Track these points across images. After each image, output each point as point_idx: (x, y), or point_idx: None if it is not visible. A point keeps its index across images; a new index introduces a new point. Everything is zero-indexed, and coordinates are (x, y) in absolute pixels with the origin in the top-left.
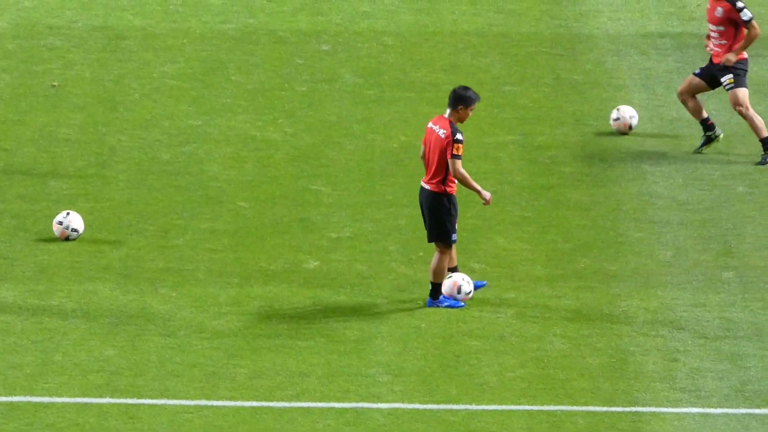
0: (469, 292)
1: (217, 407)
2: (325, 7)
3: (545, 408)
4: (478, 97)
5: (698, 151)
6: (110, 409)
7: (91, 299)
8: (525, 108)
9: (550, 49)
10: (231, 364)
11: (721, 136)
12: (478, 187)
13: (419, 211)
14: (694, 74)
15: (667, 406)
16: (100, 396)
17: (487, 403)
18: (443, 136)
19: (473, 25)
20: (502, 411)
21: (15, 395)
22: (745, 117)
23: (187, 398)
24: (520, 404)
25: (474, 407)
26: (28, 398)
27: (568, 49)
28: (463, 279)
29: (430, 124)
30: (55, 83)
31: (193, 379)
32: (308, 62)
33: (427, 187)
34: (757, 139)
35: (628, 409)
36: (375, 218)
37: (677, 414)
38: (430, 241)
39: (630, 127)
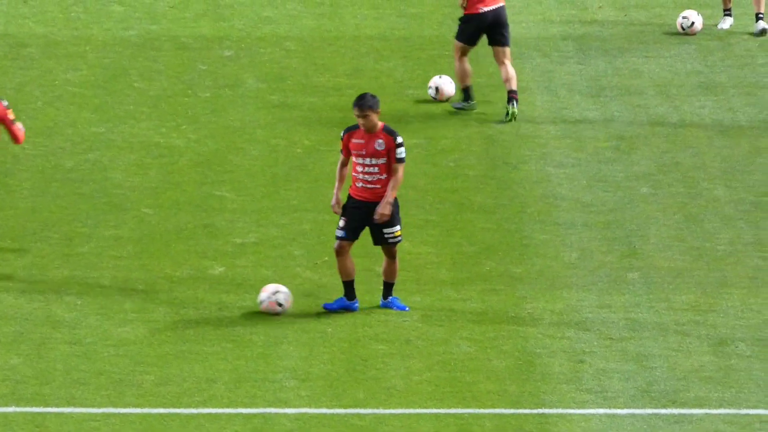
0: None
1: (124, 414)
2: (228, 13)
3: (452, 411)
4: (355, 103)
5: (456, 107)
6: (16, 417)
7: None
8: (428, 111)
9: (453, 53)
10: (137, 371)
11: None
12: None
13: (324, 217)
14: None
15: (573, 408)
16: (6, 405)
17: (395, 407)
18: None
19: (376, 29)
20: (409, 414)
21: None
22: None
23: (94, 406)
24: (427, 408)
25: (381, 411)
26: None
27: (471, 53)
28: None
29: None
30: None
31: (100, 387)
32: (211, 68)
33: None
34: (651, 141)
35: (535, 411)
36: (279, 223)
37: (584, 415)
38: None
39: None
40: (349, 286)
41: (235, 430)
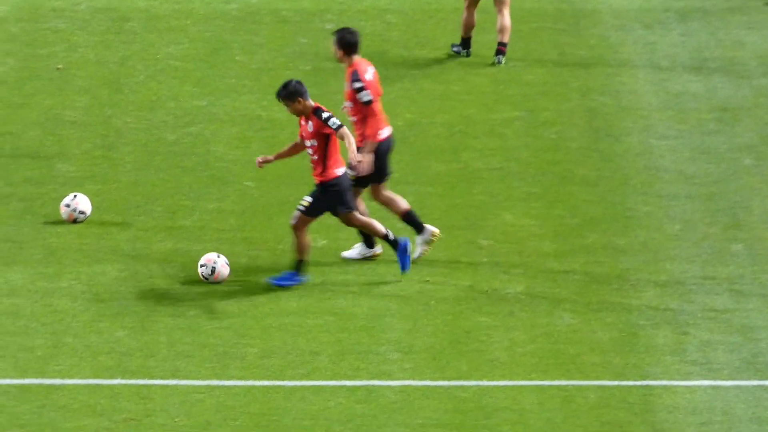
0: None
1: (227, 387)
2: None
3: (556, 383)
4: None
5: (454, 51)
6: (121, 390)
7: (99, 281)
8: (530, 84)
9: (554, 25)
10: (241, 343)
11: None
12: None
13: (427, 189)
14: None
15: (677, 379)
16: (111, 377)
17: (498, 379)
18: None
19: None
20: (513, 386)
21: (27, 377)
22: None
23: (197, 378)
24: (531, 379)
25: (485, 383)
26: (40, 380)
27: (571, 25)
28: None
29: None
30: (60, 66)
31: (204, 360)
32: (312, 41)
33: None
34: (754, 113)
35: (638, 382)
36: None
37: (688, 387)
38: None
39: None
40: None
41: (339, 402)
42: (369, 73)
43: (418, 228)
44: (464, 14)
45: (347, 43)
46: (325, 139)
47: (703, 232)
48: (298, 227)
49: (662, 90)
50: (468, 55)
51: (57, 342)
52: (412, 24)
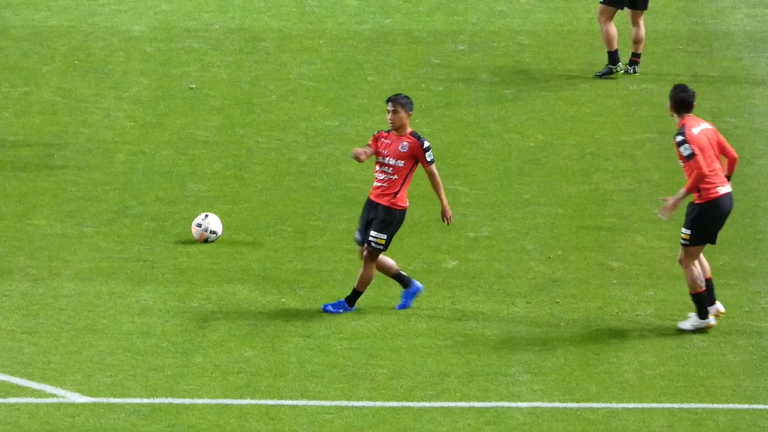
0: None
1: (357, 408)
2: (461, 7)
3: (686, 406)
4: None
5: (598, 76)
6: (251, 410)
7: (230, 301)
8: (662, 106)
9: (687, 47)
10: (370, 364)
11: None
12: None
13: (558, 210)
14: None
15: None
16: (241, 397)
17: (628, 402)
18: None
19: None
20: (642, 409)
21: (156, 397)
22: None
23: (327, 399)
24: (660, 402)
25: (614, 405)
26: (170, 400)
27: (704, 46)
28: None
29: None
30: (193, 85)
31: (333, 380)
32: (444, 62)
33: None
34: None
35: None
36: (513, 217)
37: None
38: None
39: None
40: (398, 278)
41: (468, 423)
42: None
43: None
44: (602, 29)
45: (680, 100)
46: (412, 165)
47: None
48: (371, 260)
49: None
50: (618, 70)
51: (187, 362)
52: (545, 45)
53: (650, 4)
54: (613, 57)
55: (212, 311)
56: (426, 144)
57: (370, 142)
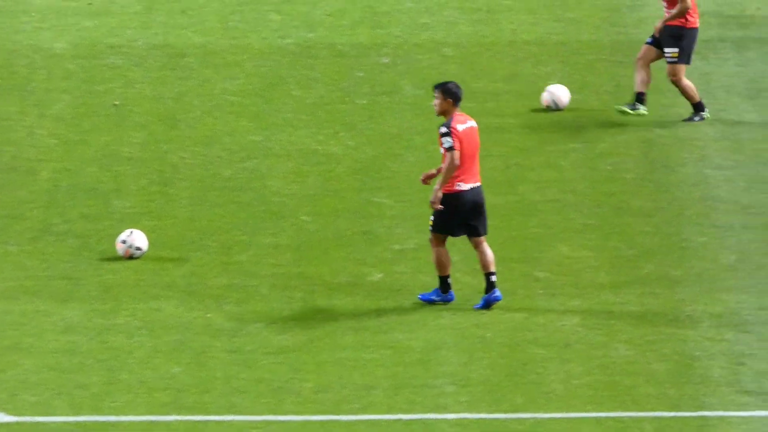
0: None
1: (283, 422)
2: (384, 20)
3: (612, 414)
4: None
5: (620, 110)
6: (177, 426)
7: (155, 317)
8: (586, 116)
9: (610, 56)
10: (297, 378)
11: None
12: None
13: None
14: (647, 42)
15: (733, 410)
16: (167, 414)
17: (554, 411)
18: (476, 126)
19: (532, 34)
20: (569, 419)
21: (82, 414)
22: (677, 86)
23: (253, 414)
24: (586, 411)
25: (541, 416)
26: (96, 417)
27: (628, 56)
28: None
29: (467, 125)
30: (117, 102)
31: (260, 395)
32: (368, 75)
33: (478, 184)
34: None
35: (695, 413)
36: None
37: (744, 418)
38: (484, 233)
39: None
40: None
41: None
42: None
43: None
44: (638, 73)
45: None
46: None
47: (758, 263)
48: (432, 243)
49: (718, 120)
50: (640, 113)
51: (112, 379)
52: (468, 57)
53: (574, 15)
54: (640, 98)
55: (138, 328)
56: (443, 129)
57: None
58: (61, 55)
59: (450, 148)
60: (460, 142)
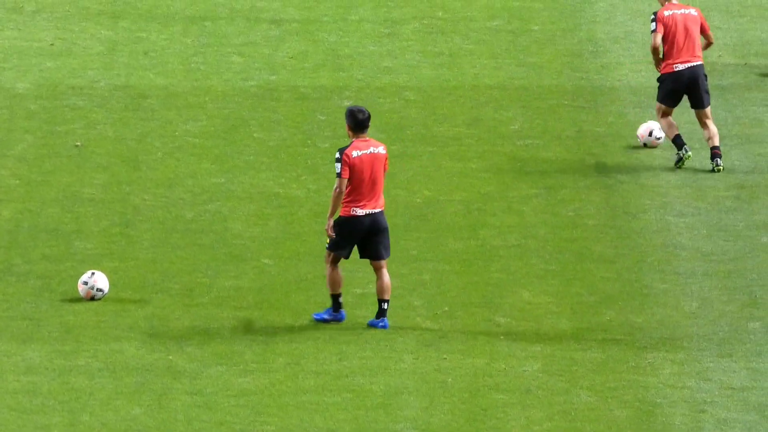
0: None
1: None
2: (347, 63)
3: None
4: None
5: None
6: None
7: (117, 358)
8: (548, 161)
9: (572, 102)
10: (258, 421)
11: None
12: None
13: (444, 267)
14: None
15: None
16: None
17: None
18: (384, 152)
19: (495, 78)
20: None
21: None
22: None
23: None
24: None
25: None
26: None
27: (590, 102)
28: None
29: (367, 151)
30: (78, 143)
31: None
32: (330, 118)
33: (378, 210)
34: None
35: None
36: (399, 273)
37: None
38: (386, 257)
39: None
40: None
41: None
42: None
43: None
44: (662, 122)
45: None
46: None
47: (720, 310)
48: (326, 261)
49: (680, 168)
50: (686, 154)
51: (74, 420)
52: (430, 101)
53: (535, 59)
54: (677, 142)
55: (99, 369)
56: (337, 155)
57: None
58: (23, 95)
59: (338, 175)
60: (351, 169)
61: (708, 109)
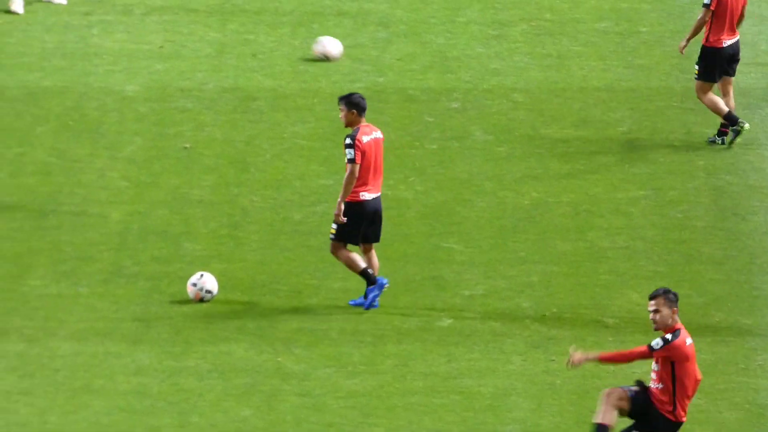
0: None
1: None
2: (455, 65)
3: None
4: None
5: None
6: None
7: (226, 360)
8: (656, 163)
9: (681, 104)
10: (367, 423)
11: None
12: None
13: (552, 268)
14: None
15: None
16: None
17: None
18: (382, 136)
19: (602, 80)
20: None
21: None
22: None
23: None
24: None
25: None
26: None
27: (698, 103)
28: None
29: (372, 136)
30: (187, 145)
31: None
32: (438, 120)
33: (380, 193)
34: None
35: None
36: (508, 275)
37: None
38: (376, 241)
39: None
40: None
41: None
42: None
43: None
44: (707, 101)
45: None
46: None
47: None
48: (334, 251)
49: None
50: (742, 126)
51: (183, 421)
52: (538, 103)
53: (644, 61)
54: (730, 117)
55: (208, 370)
56: (347, 141)
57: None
58: (133, 98)
59: (351, 161)
60: (363, 154)
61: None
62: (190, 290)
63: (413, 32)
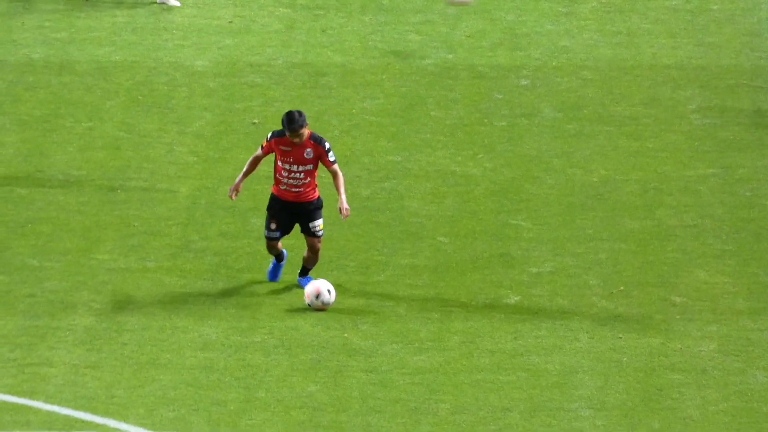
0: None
1: None
2: (524, 42)
3: None
4: (289, 128)
5: None
6: None
7: (292, 336)
8: (725, 141)
9: (751, 82)
10: (433, 399)
11: None
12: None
13: (620, 246)
14: None
15: None
16: (304, 431)
17: None
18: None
19: (672, 58)
20: None
21: (220, 431)
22: None
23: None
24: None
25: None
26: None
27: None
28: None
29: None
30: (256, 120)
31: (396, 415)
32: (507, 97)
33: None
34: None
35: None
36: (576, 252)
37: None
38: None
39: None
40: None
41: None
42: None
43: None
44: None
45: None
46: (316, 166)
47: None
48: (316, 246)
49: None
50: None
51: (250, 396)
52: (608, 80)
53: (714, 39)
54: None
55: (275, 346)
56: (327, 145)
57: (265, 148)
58: (202, 73)
59: (335, 162)
60: None
61: None
62: (313, 302)
63: (483, 9)
